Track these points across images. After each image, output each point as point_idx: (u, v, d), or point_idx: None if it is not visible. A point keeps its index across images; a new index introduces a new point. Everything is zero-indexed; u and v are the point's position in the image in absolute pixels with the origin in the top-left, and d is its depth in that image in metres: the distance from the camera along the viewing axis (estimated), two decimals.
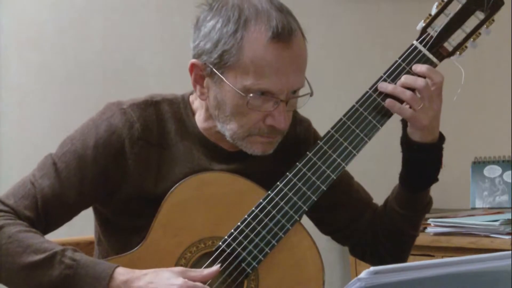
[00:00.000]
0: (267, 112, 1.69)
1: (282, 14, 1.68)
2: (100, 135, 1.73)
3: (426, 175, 1.81)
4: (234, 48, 1.66)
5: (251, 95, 1.66)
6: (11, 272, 1.63)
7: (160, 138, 1.76)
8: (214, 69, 1.68)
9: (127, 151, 1.73)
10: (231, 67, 1.67)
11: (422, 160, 1.78)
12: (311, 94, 1.74)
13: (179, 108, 1.79)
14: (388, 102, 1.73)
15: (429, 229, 2.89)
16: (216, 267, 1.65)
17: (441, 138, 1.79)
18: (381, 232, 1.88)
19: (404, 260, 1.91)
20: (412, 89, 1.72)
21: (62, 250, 1.63)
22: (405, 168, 1.81)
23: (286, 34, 1.66)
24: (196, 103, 1.80)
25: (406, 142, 1.78)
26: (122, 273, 1.61)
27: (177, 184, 1.72)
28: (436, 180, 1.81)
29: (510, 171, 3.26)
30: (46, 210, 1.71)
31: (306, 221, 1.79)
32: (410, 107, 1.72)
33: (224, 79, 1.68)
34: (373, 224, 1.89)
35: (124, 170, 1.73)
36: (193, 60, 1.72)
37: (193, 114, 1.79)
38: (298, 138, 1.86)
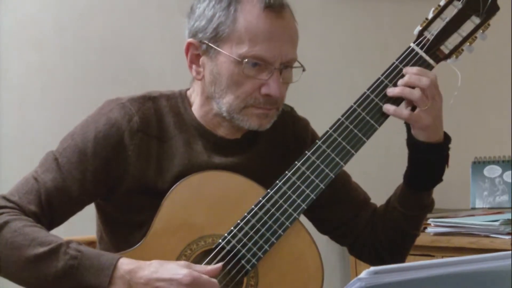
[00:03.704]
0: (262, 82, 1.72)
1: None
2: (100, 129, 1.76)
3: (431, 175, 1.82)
4: (228, 20, 1.71)
5: (246, 60, 1.70)
6: (18, 265, 1.65)
7: (159, 131, 1.78)
8: (210, 44, 1.73)
9: (126, 143, 1.75)
10: (226, 39, 1.72)
11: (428, 160, 1.79)
12: (304, 69, 1.77)
13: (176, 102, 1.82)
14: (385, 106, 1.75)
15: (429, 229, 2.89)
16: (219, 265, 1.66)
17: (447, 138, 1.80)
18: (382, 230, 1.89)
19: (403, 259, 1.93)
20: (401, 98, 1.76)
21: (67, 242, 1.66)
22: (411, 168, 1.83)
23: (278, 6, 1.72)
24: (193, 95, 1.82)
25: (412, 143, 1.79)
26: (126, 263, 1.63)
27: (178, 182, 1.74)
28: (441, 180, 1.83)
29: (510, 171, 3.26)
30: (50, 204, 1.73)
31: (305, 220, 1.80)
32: (414, 109, 1.74)
33: (220, 50, 1.72)
34: (372, 222, 1.90)
35: (124, 162, 1.75)
36: (189, 39, 1.77)
37: (191, 107, 1.82)
38: (297, 135, 1.89)
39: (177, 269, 1.60)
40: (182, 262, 1.64)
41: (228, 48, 1.72)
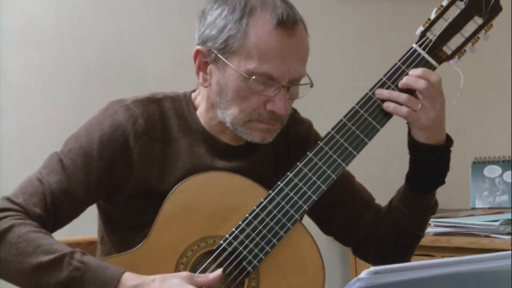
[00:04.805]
0: (268, 98, 1.71)
1: (287, 5, 1.72)
2: (105, 131, 1.75)
3: (432, 177, 1.82)
4: (239, 34, 1.69)
5: (253, 77, 1.68)
6: (20, 271, 1.63)
7: (163, 133, 1.78)
8: (218, 55, 1.71)
9: (131, 145, 1.74)
10: (235, 52, 1.70)
11: (428, 162, 1.79)
12: (311, 85, 1.76)
13: (181, 105, 1.81)
14: (385, 104, 1.75)
15: (429, 229, 2.89)
16: (219, 271, 1.64)
17: (449, 140, 1.80)
18: (386, 231, 1.88)
19: (407, 260, 1.92)
20: (413, 90, 1.74)
21: (71, 252, 1.62)
22: (412, 169, 1.82)
23: (291, 22, 1.70)
24: (199, 98, 1.82)
25: (412, 145, 1.79)
26: (129, 278, 1.59)
27: (179, 183, 1.73)
28: (443, 182, 1.82)
29: (510, 171, 3.26)
30: (55, 206, 1.72)
31: (306, 220, 1.80)
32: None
33: (228, 63, 1.70)
34: (376, 223, 1.90)
35: (129, 165, 1.74)
36: (198, 47, 1.75)
37: (195, 110, 1.81)
38: (300, 137, 1.89)
39: (181, 285, 1.57)
40: (184, 274, 1.60)
41: (236, 62, 1.70)
